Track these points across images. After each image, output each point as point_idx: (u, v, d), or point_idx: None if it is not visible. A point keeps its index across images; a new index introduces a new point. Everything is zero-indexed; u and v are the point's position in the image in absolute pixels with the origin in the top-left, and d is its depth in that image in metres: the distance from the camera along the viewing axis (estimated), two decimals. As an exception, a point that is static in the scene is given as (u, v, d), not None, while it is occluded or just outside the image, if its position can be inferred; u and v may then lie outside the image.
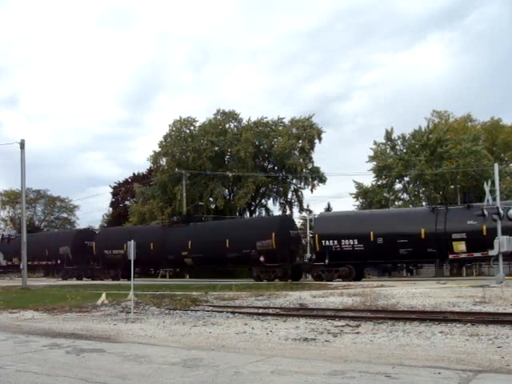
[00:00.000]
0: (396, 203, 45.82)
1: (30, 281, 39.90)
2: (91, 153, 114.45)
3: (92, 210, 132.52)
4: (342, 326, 9.79)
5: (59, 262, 39.82)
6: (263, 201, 55.43)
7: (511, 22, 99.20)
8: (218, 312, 12.81)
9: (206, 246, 32.49)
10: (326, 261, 27.70)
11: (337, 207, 75.77)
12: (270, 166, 54.19)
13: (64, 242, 40.63)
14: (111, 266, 37.25)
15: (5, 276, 46.19)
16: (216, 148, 50.95)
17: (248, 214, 53.96)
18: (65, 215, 75.31)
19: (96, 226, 65.99)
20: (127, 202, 62.81)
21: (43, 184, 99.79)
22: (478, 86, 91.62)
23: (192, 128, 52.90)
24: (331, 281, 26.83)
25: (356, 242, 27.44)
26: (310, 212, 35.83)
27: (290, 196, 53.43)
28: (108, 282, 33.96)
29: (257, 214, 54.84)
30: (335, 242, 27.88)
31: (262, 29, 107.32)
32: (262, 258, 29.58)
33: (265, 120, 52.42)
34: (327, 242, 28.06)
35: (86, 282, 36.71)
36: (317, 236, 28.69)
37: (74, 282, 37.92)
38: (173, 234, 35.03)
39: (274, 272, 29.82)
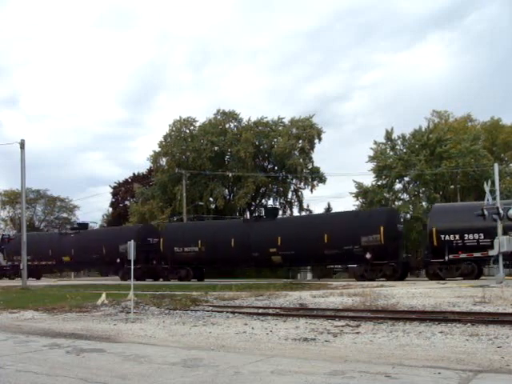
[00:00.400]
0: (396, 203, 45.84)
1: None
2: (91, 153, 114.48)
3: (92, 210, 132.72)
4: (342, 326, 9.79)
5: (118, 260, 35.89)
6: (263, 201, 55.50)
7: (511, 22, 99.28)
8: (218, 312, 12.81)
9: (298, 242, 29.10)
10: (446, 257, 25.30)
11: (337, 207, 75.81)
12: (269, 166, 54.22)
13: (125, 238, 37.22)
14: (181, 265, 33.57)
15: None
16: (216, 148, 50.99)
17: (248, 214, 53.97)
18: (65, 215, 75.38)
19: (96, 226, 66.01)
20: (127, 202, 62.84)
21: (43, 184, 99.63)
22: (478, 86, 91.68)
23: (192, 128, 52.96)
24: (444, 279, 24.70)
25: (482, 236, 24.71)
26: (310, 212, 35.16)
27: (290, 196, 53.54)
28: (108, 282, 33.76)
29: (257, 214, 54.78)
30: (456, 236, 25.43)
31: (262, 29, 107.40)
32: (368, 255, 26.70)
33: (265, 120, 52.47)
34: (447, 236, 25.61)
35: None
36: (434, 230, 26.18)
37: (80, 282, 37.86)
38: (258, 229, 31.55)
39: (382, 270, 27.00)
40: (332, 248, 28.28)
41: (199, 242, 32.91)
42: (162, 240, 34.89)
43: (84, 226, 44.81)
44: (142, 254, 34.53)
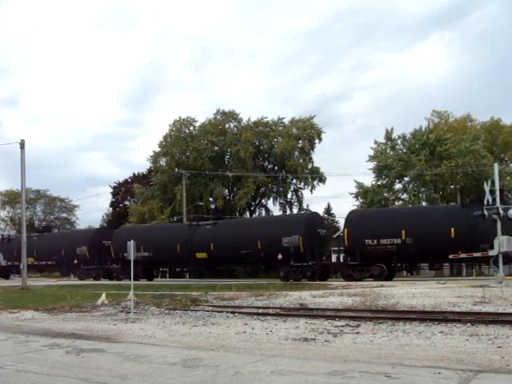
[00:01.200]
0: (396, 203, 45.87)
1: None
2: (91, 153, 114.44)
3: (92, 210, 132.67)
4: (342, 326, 9.79)
5: (280, 257, 29.31)
6: (263, 201, 55.53)
7: (511, 22, 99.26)
8: (218, 312, 12.82)
9: None
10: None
11: (337, 207, 75.84)
12: (269, 166, 54.24)
13: (290, 230, 29.61)
14: (375, 261, 26.98)
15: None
16: (216, 148, 51.00)
17: (248, 214, 54.00)
18: (65, 215, 75.45)
19: (96, 226, 66.02)
20: (127, 202, 62.87)
21: (43, 184, 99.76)
22: (477, 86, 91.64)
23: (192, 128, 52.98)
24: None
25: None
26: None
27: (289, 196, 53.57)
28: (108, 282, 33.59)
29: (257, 214, 54.86)
30: None
31: (262, 29, 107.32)
32: None
33: (265, 120, 52.49)
34: None
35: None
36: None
37: (78, 281, 37.70)
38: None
39: None
40: None
41: (403, 232, 26.43)
42: (346, 231, 28.62)
43: (219, 216, 37.32)
44: (315, 249, 29.29)
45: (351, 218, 29.55)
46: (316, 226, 30.44)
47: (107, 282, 34.78)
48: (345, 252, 29.16)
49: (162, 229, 38.84)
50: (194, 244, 32.82)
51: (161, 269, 38.92)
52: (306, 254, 28.77)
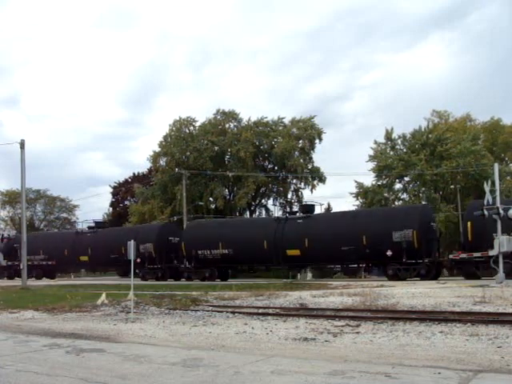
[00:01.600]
0: (396, 203, 45.87)
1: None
2: (91, 153, 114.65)
3: (92, 210, 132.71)
4: (342, 326, 9.79)
5: (390, 253, 26.31)
6: (263, 201, 55.55)
7: (511, 22, 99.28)
8: (218, 312, 12.81)
9: None
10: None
11: (337, 207, 75.77)
12: (270, 166, 54.25)
13: (402, 224, 26.49)
14: (504, 257, 21.83)
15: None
16: (216, 148, 51.01)
17: (248, 214, 53.99)
18: (65, 215, 75.43)
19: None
20: (127, 202, 62.87)
21: (43, 184, 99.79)
22: (478, 86, 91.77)
23: (192, 128, 52.99)
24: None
25: None
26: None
27: (289, 196, 53.58)
28: (108, 282, 33.54)
29: (257, 214, 54.86)
30: None
31: (262, 29, 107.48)
32: None
33: (265, 120, 52.51)
34: None
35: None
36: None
37: (80, 282, 37.67)
38: None
39: None
40: None
41: None
42: (470, 224, 25.05)
43: (310, 208, 32.59)
44: (432, 244, 26.89)
45: (474, 209, 26.02)
46: (429, 219, 27.93)
47: (107, 282, 34.65)
48: (468, 248, 25.79)
49: (245, 223, 35.62)
50: (284, 240, 29.47)
51: (239, 267, 35.74)
52: (421, 250, 25.92)
